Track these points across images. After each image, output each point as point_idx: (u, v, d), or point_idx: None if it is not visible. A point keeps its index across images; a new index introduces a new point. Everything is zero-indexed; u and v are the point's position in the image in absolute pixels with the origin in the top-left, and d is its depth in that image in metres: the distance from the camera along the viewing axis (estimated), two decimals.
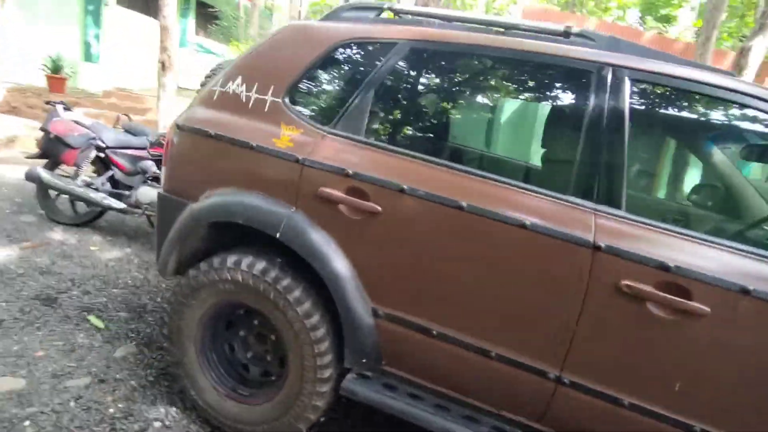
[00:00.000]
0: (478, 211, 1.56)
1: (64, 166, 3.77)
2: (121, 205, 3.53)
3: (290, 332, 1.74)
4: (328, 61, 1.88)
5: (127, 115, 4.56)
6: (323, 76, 1.90)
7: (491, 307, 1.59)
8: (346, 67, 1.91)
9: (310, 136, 1.79)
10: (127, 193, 3.61)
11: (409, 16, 1.93)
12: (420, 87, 1.94)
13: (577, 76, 1.65)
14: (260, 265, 1.75)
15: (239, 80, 1.96)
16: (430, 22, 1.86)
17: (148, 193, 3.50)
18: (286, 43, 1.95)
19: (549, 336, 1.53)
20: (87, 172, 3.72)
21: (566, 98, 1.84)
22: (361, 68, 1.84)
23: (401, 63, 1.80)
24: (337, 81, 1.92)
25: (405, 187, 1.62)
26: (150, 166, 3.62)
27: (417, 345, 1.68)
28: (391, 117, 1.88)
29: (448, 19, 1.87)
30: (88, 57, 9.50)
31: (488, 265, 1.59)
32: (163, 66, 5.72)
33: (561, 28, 1.72)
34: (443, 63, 1.89)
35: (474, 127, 2.02)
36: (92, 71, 9.46)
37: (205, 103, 2.01)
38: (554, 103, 1.91)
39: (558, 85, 1.85)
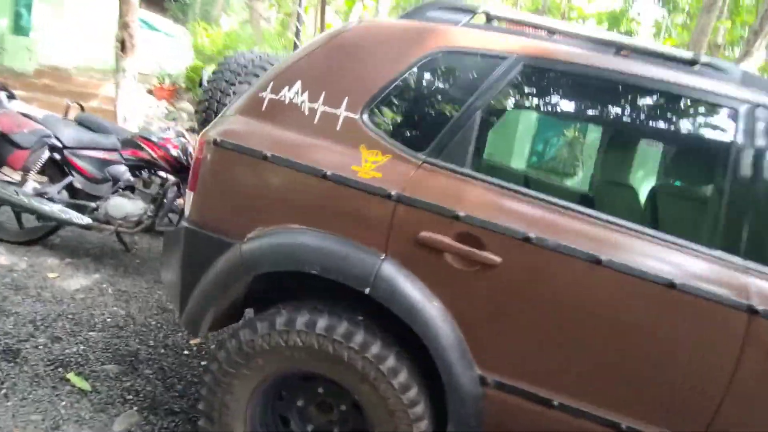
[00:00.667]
0: (619, 267, 1.31)
1: (6, 170, 3.07)
2: (85, 219, 2.92)
3: (381, 408, 1.40)
4: (422, 72, 1.53)
5: (78, 103, 3.80)
6: (415, 89, 1.55)
7: (629, 375, 1.35)
8: (446, 82, 1.57)
9: (402, 165, 1.44)
10: (92, 205, 2.99)
11: (505, 24, 1.63)
12: (538, 113, 1.65)
13: (721, 114, 1.45)
14: (341, 327, 1.39)
15: (298, 86, 1.56)
16: (536, 33, 1.57)
17: (121, 206, 2.92)
18: (363, 44, 1.57)
19: (691, 407, 1.33)
20: (38, 177, 3.06)
21: (713, 138, 1.62)
22: (466, 84, 1.50)
23: (515, 83, 1.49)
24: (433, 97, 1.57)
25: (532, 235, 1.33)
26: (122, 172, 3.04)
27: (531, 417, 1.41)
28: (505, 147, 1.58)
29: (555, 32, 1.59)
30: (18, 29, 8.06)
31: (625, 328, 1.34)
32: (123, 46, 4.89)
33: (688, 54, 1.51)
34: (565, 87, 1.60)
35: (603, 166, 1.74)
36: (22, 46, 8.02)
37: (249, 112, 1.59)
38: (702, 145, 1.68)
39: (701, 123, 1.63)
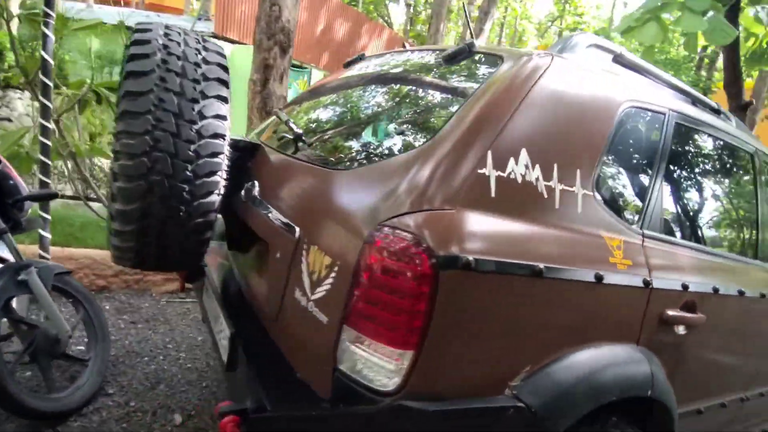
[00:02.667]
0: None
1: None
2: None
3: None
4: (620, 132, 1.32)
5: None
6: (620, 153, 1.32)
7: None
8: (636, 142, 1.39)
9: (633, 245, 1.29)
10: None
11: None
12: (693, 172, 1.65)
13: (745, 157, 1.88)
14: None
15: (525, 158, 1.10)
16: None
17: None
18: (570, 92, 1.20)
19: None
20: None
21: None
22: (648, 144, 1.41)
23: (675, 141, 1.49)
24: (631, 161, 1.38)
25: (719, 287, 1.49)
26: None
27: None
28: (680, 207, 1.56)
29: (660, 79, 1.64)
30: None
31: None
32: None
33: (713, 104, 1.85)
34: (697, 143, 1.68)
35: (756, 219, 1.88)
36: None
37: (474, 202, 1.02)
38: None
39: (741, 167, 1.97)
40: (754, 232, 1.81)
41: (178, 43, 1.33)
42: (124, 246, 1.32)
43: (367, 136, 1.32)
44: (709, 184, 1.73)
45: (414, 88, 1.41)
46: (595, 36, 1.42)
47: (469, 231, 0.98)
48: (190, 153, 1.26)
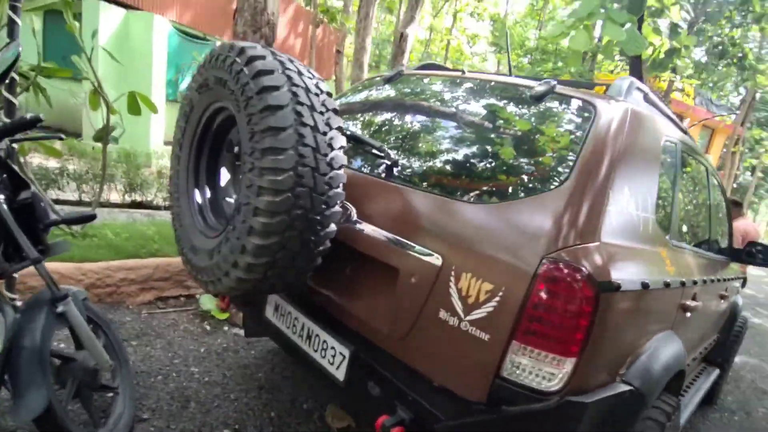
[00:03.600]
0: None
1: None
2: None
3: None
4: (662, 161, 1.65)
5: None
6: (659, 179, 1.66)
7: None
8: (668, 169, 1.73)
9: (671, 253, 1.65)
10: None
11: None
12: (689, 188, 2.04)
13: None
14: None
15: (627, 193, 1.38)
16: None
17: None
18: (639, 134, 1.50)
19: None
20: None
21: None
22: (671, 170, 1.77)
23: (682, 164, 1.87)
24: (663, 185, 1.71)
25: (705, 278, 1.95)
26: None
27: None
28: (684, 219, 1.94)
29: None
30: None
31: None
32: None
33: None
34: (691, 164, 2.10)
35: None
36: None
37: (607, 235, 1.26)
38: None
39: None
40: (708, 228, 2.34)
41: (298, 72, 1.33)
42: (247, 278, 1.31)
43: (482, 167, 1.47)
44: (695, 196, 2.18)
45: (510, 124, 1.57)
46: (634, 79, 1.71)
47: (612, 259, 1.22)
48: (325, 186, 1.29)
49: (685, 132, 2.24)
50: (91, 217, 1.76)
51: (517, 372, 1.19)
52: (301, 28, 13.10)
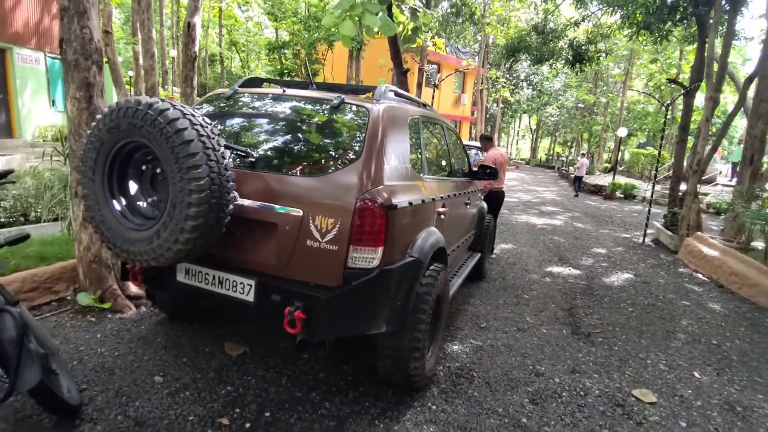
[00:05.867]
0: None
1: None
2: None
3: None
4: (413, 131, 2.84)
5: None
6: (415, 140, 2.84)
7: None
8: (416, 133, 2.92)
9: (424, 182, 2.91)
10: None
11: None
12: (430, 140, 3.21)
13: None
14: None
15: (392, 157, 2.52)
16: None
17: None
18: (391, 120, 2.63)
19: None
20: None
21: None
22: (417, 133, 2.98)
23: (424, 129, 3.10)
24: (415, 144, 2.88)
25: (449, 194, 3.32)
26: None
27: None
28: (431, 160, 3.14)
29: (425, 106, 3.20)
30: None
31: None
32: None
33: None
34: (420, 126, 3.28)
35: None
36: None
37: (387, 180, 2.37)
38: None
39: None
40: (450, 163, 3.77)
41: (192, 114, 2.02)
42: (185, 248, 2.02)
43: (313, 155, 2.40)
44: (435, 146, 3.52)
45: (324, 124, 2.50)
46: (388, 85, 2.85)
47: (392, 193, 2.32)
48: (225, 182, 2.06)
49: (425, 106, 3.55)
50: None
51: (355, 262, 2.22)
52: (56, 9, 11.33)
